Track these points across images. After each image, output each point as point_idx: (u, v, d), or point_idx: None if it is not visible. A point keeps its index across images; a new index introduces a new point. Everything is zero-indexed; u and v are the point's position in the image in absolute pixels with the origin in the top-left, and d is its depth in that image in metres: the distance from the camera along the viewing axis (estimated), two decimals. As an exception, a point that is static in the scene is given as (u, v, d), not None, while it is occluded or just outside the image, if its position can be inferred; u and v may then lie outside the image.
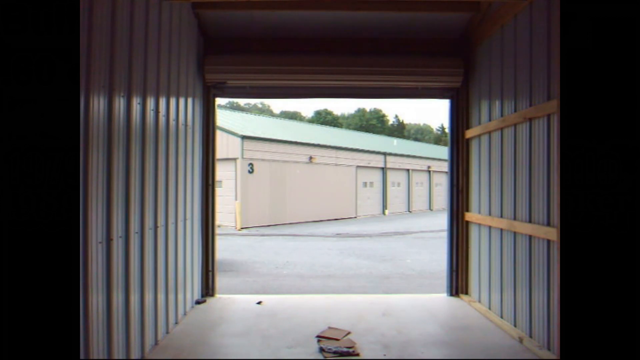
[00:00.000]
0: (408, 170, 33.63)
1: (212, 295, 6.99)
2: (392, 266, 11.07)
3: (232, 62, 6.82)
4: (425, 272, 10.32)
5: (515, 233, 5.27)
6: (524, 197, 5.08)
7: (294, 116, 60.82)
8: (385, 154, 31.26)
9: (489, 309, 6.03)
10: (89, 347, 3.29)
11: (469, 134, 6.90)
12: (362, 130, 53.28)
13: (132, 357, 4.13)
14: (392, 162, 31.66)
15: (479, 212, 6.52)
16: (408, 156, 33.98)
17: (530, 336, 4.89)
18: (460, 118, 7.11)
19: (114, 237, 3.71)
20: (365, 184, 29.20)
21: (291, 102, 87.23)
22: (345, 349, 4.71)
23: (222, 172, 19.21)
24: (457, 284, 7.10)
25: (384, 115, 68.79)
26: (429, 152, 39.17)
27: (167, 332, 5.15)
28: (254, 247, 14.16)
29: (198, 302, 6.51)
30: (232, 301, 6.83)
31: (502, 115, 5.72)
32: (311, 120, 60.63)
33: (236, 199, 20.49)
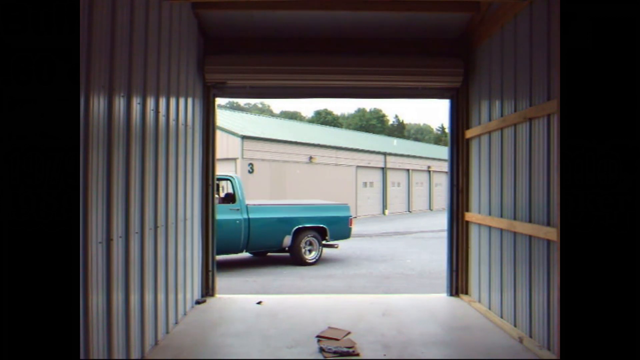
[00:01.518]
0: (408, 170, 33.63)
1: (212, 295, 6.99)
2: (392, 266, 11.07)
3: (232, 62, 6.82)
4: (425, 272, 10.32)
5: (515, 233, 5.27)
6: (524, 197, 5.08)
7: (294, 116, 60.80)
8: (385, 154, 31.26)
9: (489, 309, 6.03)
10: (89, 347, 3.29)
11: (469, 134, 6.90)
12: (362, 130, 53.27)
13: (132, 357, 4.13)
14: (392, 162, 31.66)
15: (479, 212, 6.51)
16: (408, 156, 33.99)
17: (530, 336, 4.89)
18: (460, 118, 7.10)
19: (114, 237, 3.71)
20: (365, 184, 29.20)
21: (291, 102, 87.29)
22: (345, 349, 4.71)
23: (222, 172, 19.17)
24: (457, 284, 7.10)
25: (384, 115, 68.78)
26: (429, 152, 39.17)
27: (167, 332, 5.15)
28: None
29: (198, 302, 6.51)
30: (232, 301, 6.83)
31: (502, 115, 5.72)
32: (311, 120, 60.60)
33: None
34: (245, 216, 10.15)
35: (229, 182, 10.55)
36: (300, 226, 10.72)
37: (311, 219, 10.96)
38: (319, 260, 11.06)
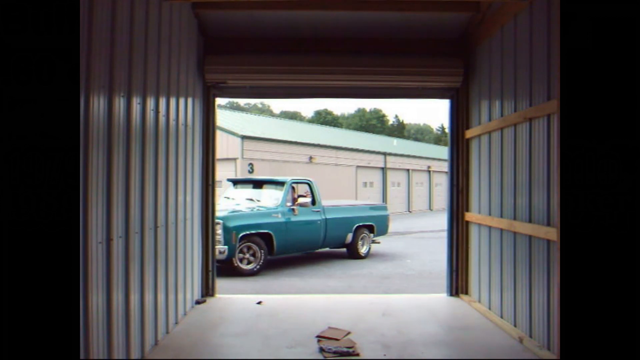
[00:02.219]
0: (408, 170, 33.62)
1: (212, 295, 6.98)
2: (392, 266, 11.07)
3: (232, 62, 6.81)
4: (425, 272, 10.33)
5: (515, 233, 5.27)
6: (524, 197, 5.08)
7: (294, 116, 60.78)
8: (385, 154, 31.25)
9: (489, 309, 6.03)
10: (89, 347, 3.29)
11: (469, 134, 6.90)
12: (362, 130, 53.25)
13: (132, 357, 4.13)
14: (392, 162, 31.65)
15: (479, 212, 6.51)
16: (408, 156, 33.97)
17: (530, 336, 4.89)
18: (460, 118, 7.10)
19: (114, 237, 3.71)
20: (365, 184, 29.19)
21: (291, 102, 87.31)
22: (345, 349, 4.71)
23: (222, 172, 19.18)
24: (457, 284, 7.10)
25: (384, 115, 68.78)
26: (429, 152, 39.15)
27: (167, 332, 5.15)
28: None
29: (198, 302, 6.51)
30: (232, 301, 6.83)
31: (502, 115, 5.72)
32: (311, 120, 60.60)
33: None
34: (323, 217, 11.10)
35: (307, 185, 11.30)
36: (359, 224, 11.91)
37: (365, 218, 12.21)
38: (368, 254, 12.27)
